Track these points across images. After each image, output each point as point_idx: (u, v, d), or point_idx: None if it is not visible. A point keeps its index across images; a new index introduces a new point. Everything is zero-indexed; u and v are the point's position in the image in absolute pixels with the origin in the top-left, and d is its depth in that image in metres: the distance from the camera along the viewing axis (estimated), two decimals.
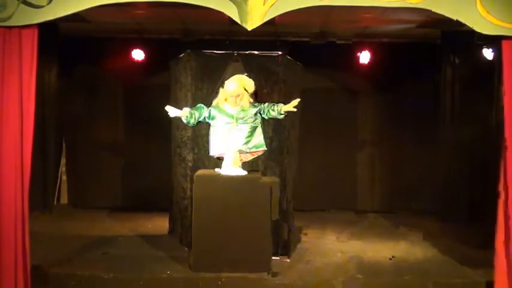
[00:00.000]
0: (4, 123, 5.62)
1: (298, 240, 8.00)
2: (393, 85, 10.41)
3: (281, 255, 7.01)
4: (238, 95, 6.54)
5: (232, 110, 6.56)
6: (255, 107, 6.61)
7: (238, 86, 6.54)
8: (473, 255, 7.27)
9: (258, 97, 6.79)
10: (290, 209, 7.41)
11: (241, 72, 6.73)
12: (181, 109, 7.28)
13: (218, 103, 6.63)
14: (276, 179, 6.64)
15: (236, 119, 6.55)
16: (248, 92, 6.59)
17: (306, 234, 8.65)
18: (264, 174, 6.97)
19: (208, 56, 7.25)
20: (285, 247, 7.13)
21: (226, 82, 6.61)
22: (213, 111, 6.58)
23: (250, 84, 6.61)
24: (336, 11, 7.32)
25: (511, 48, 5.70)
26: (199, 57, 7.23)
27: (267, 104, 6.56)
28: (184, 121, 6.60)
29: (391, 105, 10.50)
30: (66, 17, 5.70)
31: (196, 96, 7.20)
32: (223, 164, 6.57)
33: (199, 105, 6.61)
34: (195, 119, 6.51)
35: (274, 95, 7.14)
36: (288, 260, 7.04)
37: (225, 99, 6.59)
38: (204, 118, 6.54)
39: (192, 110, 6.53)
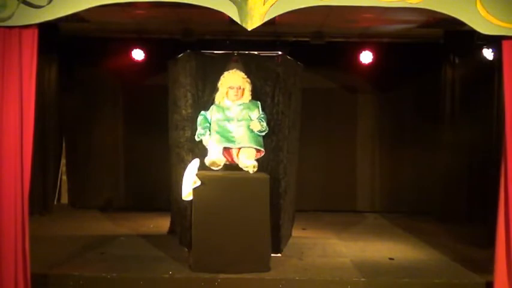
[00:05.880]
0: (4, 123, 5.61)
1: (297, 240, 8.00)
2: (393, 85, 10.42)
3: (272, 251, 6.93)
4: (240, 87, 6.63)
5: (234, 107, 6.65)
6: (254, 105, 6.70)
7: (238, 78, 6.66)
8: (473, 256, 7.27)
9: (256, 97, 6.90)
10: (284, 206, 7.37)
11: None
12: (181, 109, 7.34)
13: (220, 102, 6.75)
14: (265, 175, 6.63)
15: (236, 116, 6.63)
16: (248, 87, 6.71)
17: (304, 229, 8.77)
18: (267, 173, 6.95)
19: (208, 56, 7.25)
20: (275, 243, 7.04)
21: (225, 73, 6.74)
22: (214, 113, 6.71)
23: (248, 80, 6.78)
24: (336, 11, 7.31)
25: (511, 48, 5.70)
26: (199, 57, 7.23)
27: (257, 117, 6.69)
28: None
29: (391, 105, 10.50)
30: (66, 17, 5.71)
31: (196, 97, 7.20)
32: (208, 153, 6.64)
33: (201, 119, 6.79)
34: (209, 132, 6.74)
35: (274, 95, 7.14)
36: (280, 255, 7.06)
37: (226, 93, 6.66)
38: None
39: (203, 128, 6.73)
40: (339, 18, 8.40)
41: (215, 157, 6.53)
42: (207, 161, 6.55)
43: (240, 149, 6.65)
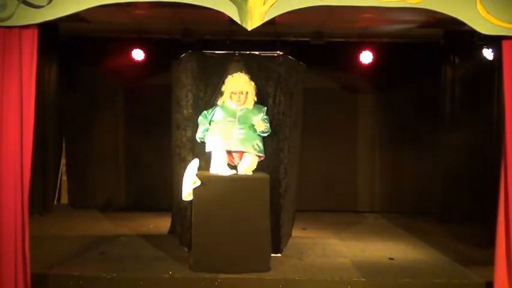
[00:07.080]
0: (4, 123, 5.61)
1: (297, 240, 8.00)
2: (393, 85, 10.42)
3: (272, 251, 6.91)
4: (242, 92, 6.63)
5: (237, 109, 6.65)
6: (259, 110, 6.69)
7: (241, 83, 6.65)
8: (473, 256, 7.28)
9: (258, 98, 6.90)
10: (285, 206, 7.38)
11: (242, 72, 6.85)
12: (182, 109, 7.35)
13: (224, 101, 6.76)
14: (265, 175, 6.64)
15: (239, 119, 6.63)
16: (251, 90, 6.69)
17: (304, 229, 8.78)
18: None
19: (209, 57, 7.25)
20: (275, 243, 7.03)
21: (228, 77, 6.74)
22: (217, 113, 6.71)
23: (252, 83, 6.76)
24: (336, 11, 7.31)
25: (511, 48, 5.70)
26: (200, 57, 7.23)
27: (261, 119, 6.67)
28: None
29: (391, 105, 10.50)
30: (66, 17, 5.71)
31: (197, 97, 7.20)
32: (212, 162, 6.63)
33: (200, 119, 6.82)
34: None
35: (275, 96, 7.13)
36: (280, 255, 7.07)
37: (230, 97, 6.68)
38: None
39: (203, 131, 6.78)
40: (339, 18, 8.40)
41: (220, 171, 6.54)
42: (213, 171, 6.59)
43: (242, 153, 6.66)
